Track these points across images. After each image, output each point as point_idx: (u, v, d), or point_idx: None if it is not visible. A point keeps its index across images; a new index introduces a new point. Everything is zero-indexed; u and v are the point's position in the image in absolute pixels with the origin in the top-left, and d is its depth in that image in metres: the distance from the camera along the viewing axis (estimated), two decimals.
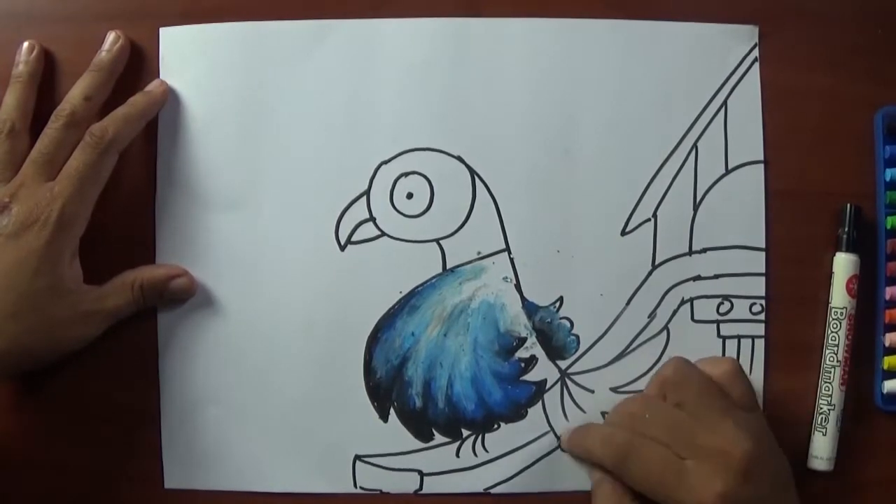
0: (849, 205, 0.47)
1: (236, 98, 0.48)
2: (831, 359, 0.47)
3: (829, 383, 0.46)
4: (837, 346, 0.46)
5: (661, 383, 0.45)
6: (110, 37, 0.47)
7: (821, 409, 0.47)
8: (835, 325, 0.47)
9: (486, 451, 0.48)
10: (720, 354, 0.47)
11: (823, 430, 0.46)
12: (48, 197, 0.43)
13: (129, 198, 0.48)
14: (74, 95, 0.45)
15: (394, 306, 0.48)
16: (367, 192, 0.48)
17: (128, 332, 0.47)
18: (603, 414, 0.47)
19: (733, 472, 0.40)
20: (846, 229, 0.47)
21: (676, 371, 0.44)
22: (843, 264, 0.47)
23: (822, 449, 0.46)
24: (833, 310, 0.47)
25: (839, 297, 0.47)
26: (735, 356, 0.47)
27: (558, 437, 0.47)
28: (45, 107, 0.46)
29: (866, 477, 0.47)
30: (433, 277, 0.48)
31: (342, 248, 0.48)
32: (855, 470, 0.47)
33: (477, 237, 0.48)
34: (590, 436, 0.45)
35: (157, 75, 0.48)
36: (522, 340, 0.48)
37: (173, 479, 0.48)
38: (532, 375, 0.48)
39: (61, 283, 0.43)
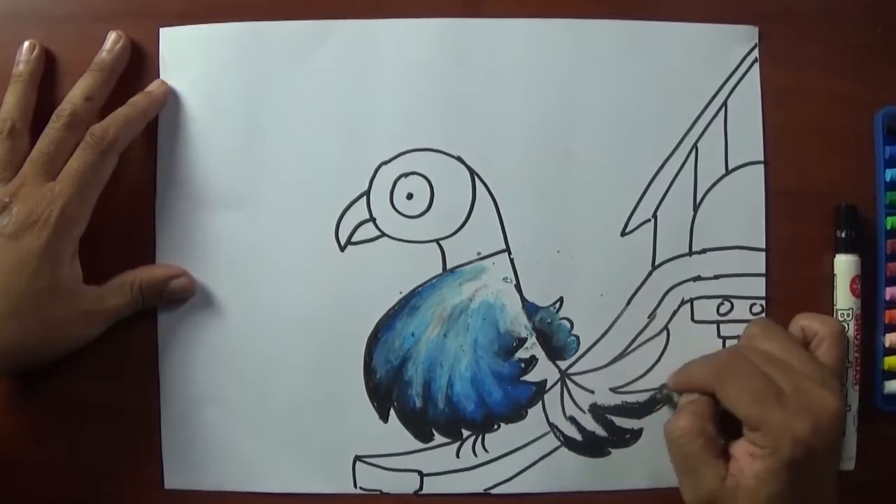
0: (842, 204, 0.47)
1: (236, 98, 0.48)
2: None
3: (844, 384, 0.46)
4: (848, 346, 0.46)
5: (748, 338, 0.45)
6: (111, 37, 0.47)
7: None
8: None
9: (487, 451, 0.48)
10: None
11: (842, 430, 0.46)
12: (48, 197, 0.43)
13: (129, 198, 0.48)
14: (75, 95, 0.45)
15: (394, 307, 0.47)
16: (367, 193, 0.48)
17: (128, 332, 0.47)
18: (604, 414, 0.47)
19: (824, 416, 0.40)
20: (845, 230, 0.47)
21: (763, 328, 0.45)
22: (845, 266, 0.47)
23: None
24: (839, 312, 0.47)
25: (844, 298, 0.46)
26: None
27: (559, 438, 0.47)
28: (45, 107, 0.46)
29: (866, 477, 0.47)
30: (433, 278, 0.48)
31: (342, 248, 0.48)
32: (855, 470, 0.47)
33: (477, 237, 0.48)
34: (694, 362, 0.46)
35: (158, 75, 0.48)
36: (522, 341, 0.48)
37: (173, 480, 0.48)
38: (532, 376, 0.48)
39: (61, 283, 0.43)
